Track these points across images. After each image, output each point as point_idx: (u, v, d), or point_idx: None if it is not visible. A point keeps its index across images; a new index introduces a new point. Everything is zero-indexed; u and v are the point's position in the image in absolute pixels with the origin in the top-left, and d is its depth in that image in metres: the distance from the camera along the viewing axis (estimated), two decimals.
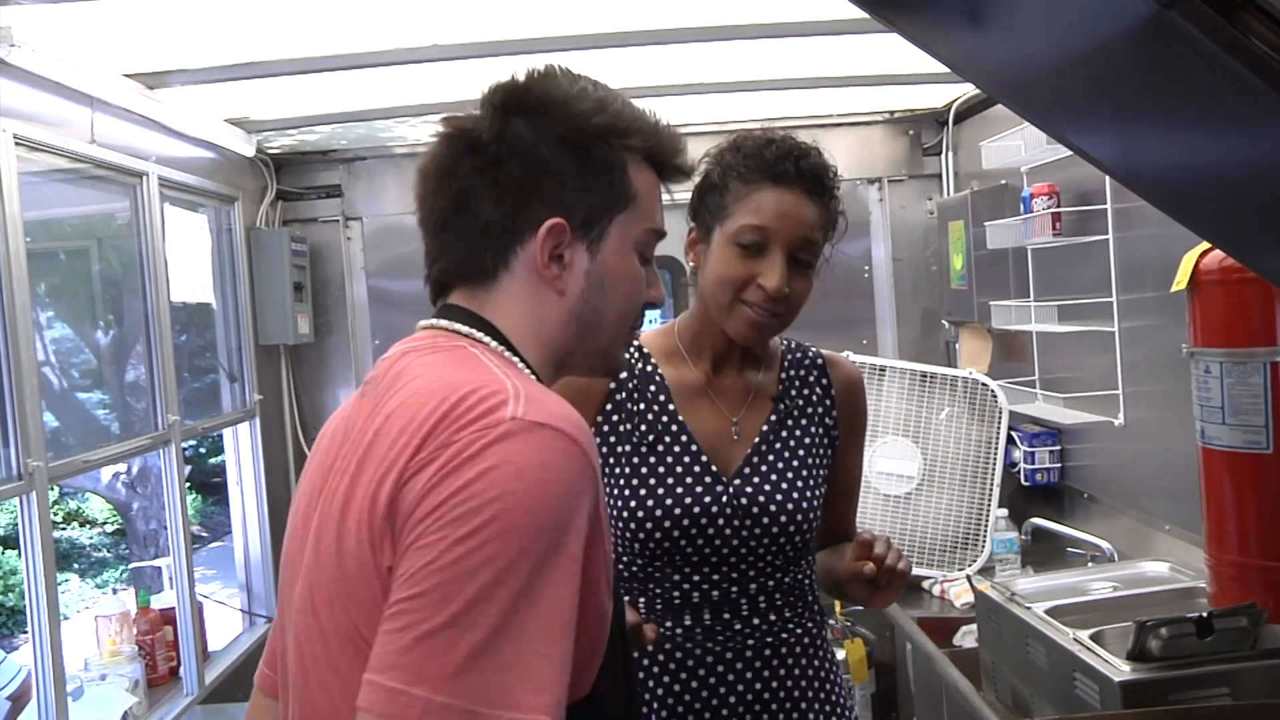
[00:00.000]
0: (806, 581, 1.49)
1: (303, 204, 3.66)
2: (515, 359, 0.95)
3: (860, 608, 3.17)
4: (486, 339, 0.94)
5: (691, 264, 1.45)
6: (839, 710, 1.50)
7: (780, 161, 1.39)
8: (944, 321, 3.59)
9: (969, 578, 2.06)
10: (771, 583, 1.44)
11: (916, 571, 2.92)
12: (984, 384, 3.00)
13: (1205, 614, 1.50)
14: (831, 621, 3.28)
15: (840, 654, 3.24)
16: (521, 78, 0.97)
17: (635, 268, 0.99)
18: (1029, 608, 1.81)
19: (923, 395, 3.02)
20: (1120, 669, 1.49)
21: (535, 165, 0.94)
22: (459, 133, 0.97)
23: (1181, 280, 1.63)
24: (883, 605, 1.40)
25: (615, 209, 0.96)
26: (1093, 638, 1.63)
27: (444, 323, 0.96)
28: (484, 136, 0.95)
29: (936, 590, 2.83)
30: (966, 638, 2.43)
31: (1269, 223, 0.89)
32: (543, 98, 0.96)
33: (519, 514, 0.78)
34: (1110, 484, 2.68)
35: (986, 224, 2.97)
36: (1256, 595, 1.54)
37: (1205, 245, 1.60)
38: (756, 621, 1.43)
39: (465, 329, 0.95)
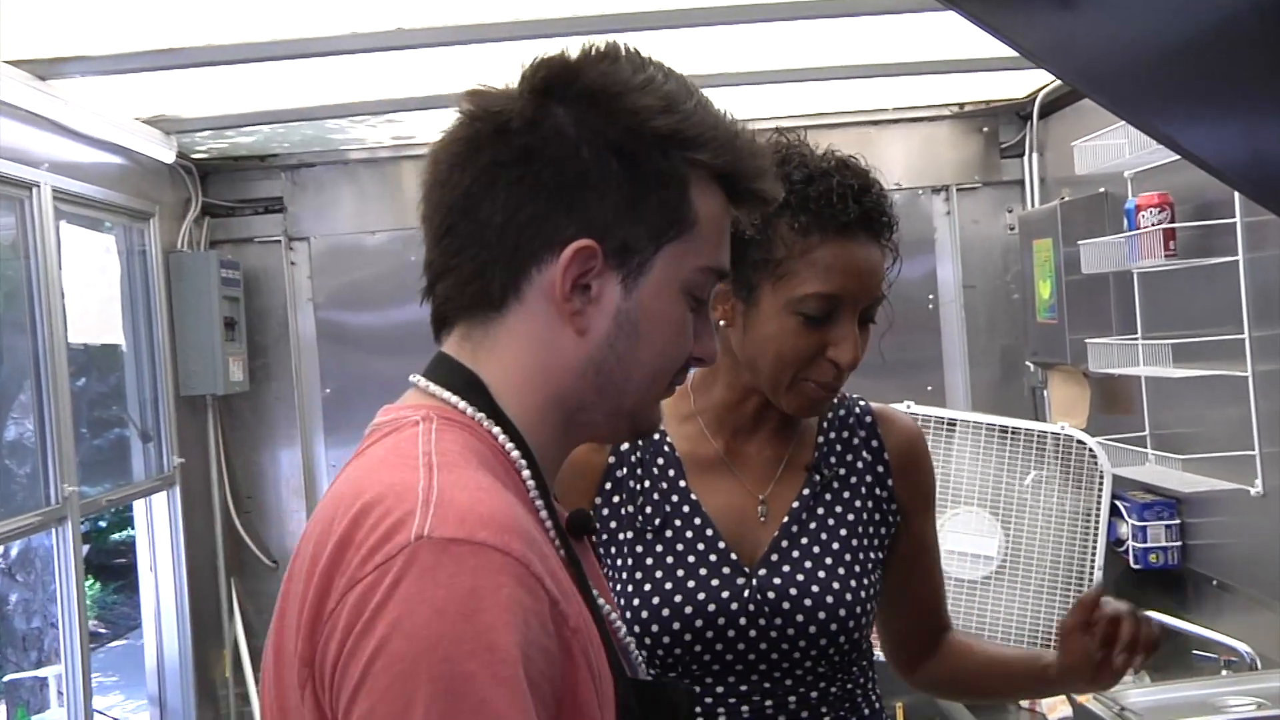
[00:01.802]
0: (861, 691, 1.47)
1: (235, 221, 3.66)
2: (493, 429, 0.93)
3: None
4: (465, 408, 0.94)
5: (722, 322, 1.44)
6: None
7: (843, 204, 1.38)
8: (1029, 363, 3.56)
9: (1070, 697, 1.99)
10: (815, 694, 1.42)
11: None
12: (1080, 441, 2.96)
13: None
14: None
15: None
16: (574, 56, 0.95)
17: (681, 313, 0.98)
18: None
19: (1003, 455, 2.98)
20: None
21: (571, 169, 0.93)
22: (484, 114, 0.95)
23: None
24: (1108, 686, 1.40)
25: (665, 237, 0.95)
26: None
27: (423, 383, 0.97)
28: (514, 123, 0.93)
29: (1025, 701, 2.77)
30: None
31: None
32: (595, 86, 0.94)
33: (452, 665, 0.78)
34: (1247, 568, 2.62)
35: (1081, 243, 2.94)
36: None
37: None
38: None
39: (442, 394, 0.95)
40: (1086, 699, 1.97)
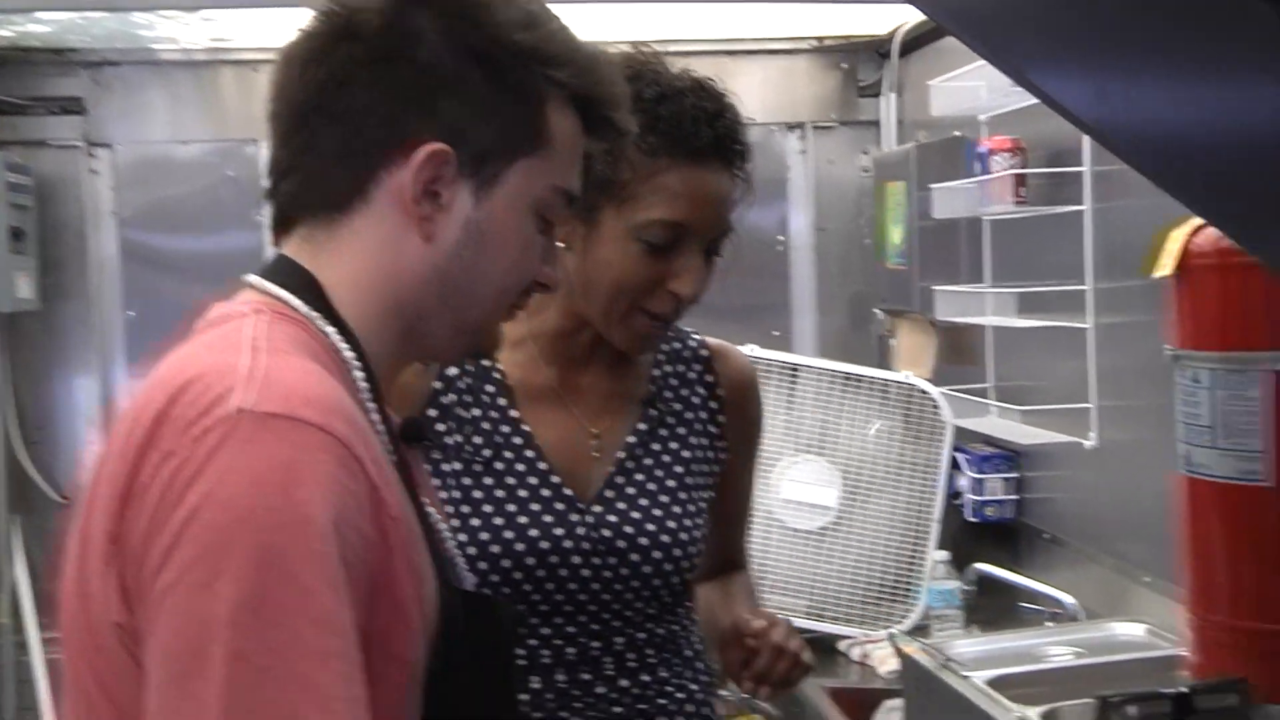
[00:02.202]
0: (684, 633, 1.50)
1: (27, 120, 3.48)
2: (327, 328, 0.95)
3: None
4: (299, 305, 0.95)
5: (560, 244, 1.42)
6: None
7: (696, 127, 1.38)
8: (877, 311, 3.63)
9: (892, 637, 2.06)
10: (643, 635, 1.45)
11: (832, 630, 2.93)
12: (924, 391, 3.03)
13: (1184, 690, 1.52)
14: (724, 693, 3.28)
15: None
16: None
17: (530, 231, 1.01)
18: (967, 677, 1.83)
19: (846, 404, 3.04)
20: None
21: (431, 71, 0.96)
22: (344, 12, 0.97)
23: (1164, 263, 1.64)
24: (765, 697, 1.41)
25: (520, 150, 0.98)
26: (1045, 717, 1.64)
27: (257, 281, 0.98)
28: (375, 22, 0.96)
29: (856, 654, 2.85)
30: (891, 715, 2.45)
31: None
32: None
33: (264, 536, 0.81)
34: (1078, 522, 2.73)
35: (933, 187, 3.00)
36: (1248, 667, 1.56)
37: (1198, 220, 1.63)
38: (625, 684, 1.43)
39: (276, 290, 0.96)
40: (914, 650, 2.03)
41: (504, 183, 0.98)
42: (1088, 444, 2.55)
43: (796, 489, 3.00)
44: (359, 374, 0.95)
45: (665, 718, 1.45)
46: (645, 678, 1.45)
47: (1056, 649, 2.02)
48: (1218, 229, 1.51)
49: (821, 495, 2.99)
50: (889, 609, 2.94)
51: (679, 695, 1.47)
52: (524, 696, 1.41)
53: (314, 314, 0.95)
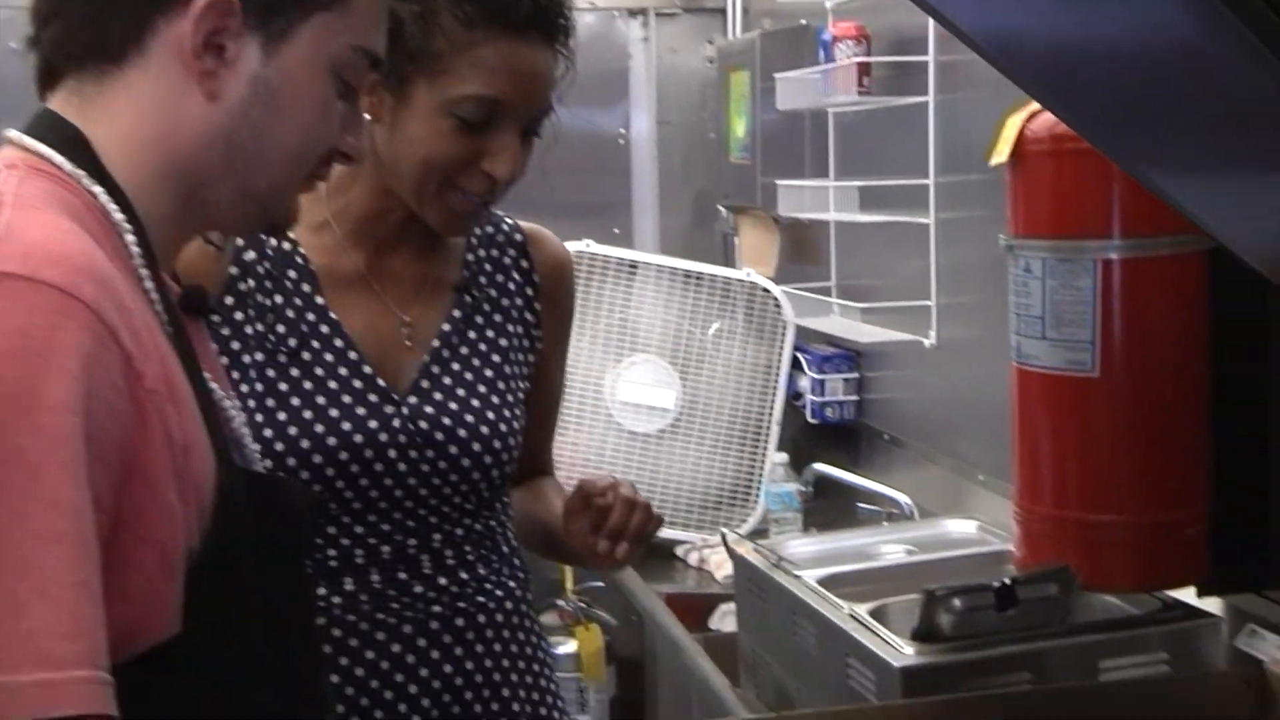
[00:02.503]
0: (501, 529, 1.50)
1: None
2: (94, 188, 0.91)
3: (600, 583, 3.23)
4: (62, 163, 0.91)
5: (368, 117, 1.38)
6: (547, 697, 1.53)
7: None
8: (720, 208, 3.63)
9: (724, 536, 2.08)
10: (460, 531, 1.45)
11: (669, 535, 2.96)
12: (765, 290, 3.05)
13: (1007, 581, 1.56)
14: (560, 602, 3.32)
15: (570, 646, 3.28)
16: None
17: (326, 93, 0.98)
18: (798, 576, 1.85)
19: (686, 303, 3.04)
20: (902, 651, 1.54)
21: None
22: None
23: (1000, 149, 1.66)
24: (612, 570, 1.41)
25: (313, 5, 0.95)
26: (873, 614, 1.67)
27: (16, 137, 0.94)
28: None
29: (694, 559, 2.89)
30: (726, 619, 2.49)
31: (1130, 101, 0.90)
32: None
33: None
34: (917, 423, 2.80)
35: (777, 77, 3.00)
36: (1071, 556, 1.62)
37: (1035, 105, 1.64)
38: (443, 582, 1.43)
39: (35, 146, 0.92)
40: (746, 550, 2.05)
41: (296, 38, 0.95)
42: (928, 342, 2.61)
43: (634, 391, 3.00)
44: (131, 238, 0.91)
45: (484, 615, 1.45)
46: (464, 575, 1.44)
47: (889, 547, 2.05)
48: (1066, 123, 1.53)
49: (659, 397, 3.00)
50: (727, 513, 2.98)
51: (498, 593, 1.47)
52: (337, 600, 1.40)
53: (79, 172, 0.91)
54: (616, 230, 3.65)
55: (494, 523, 1.48)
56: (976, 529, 2.11)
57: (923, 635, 1.57)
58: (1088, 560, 1.62)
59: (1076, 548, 1.64)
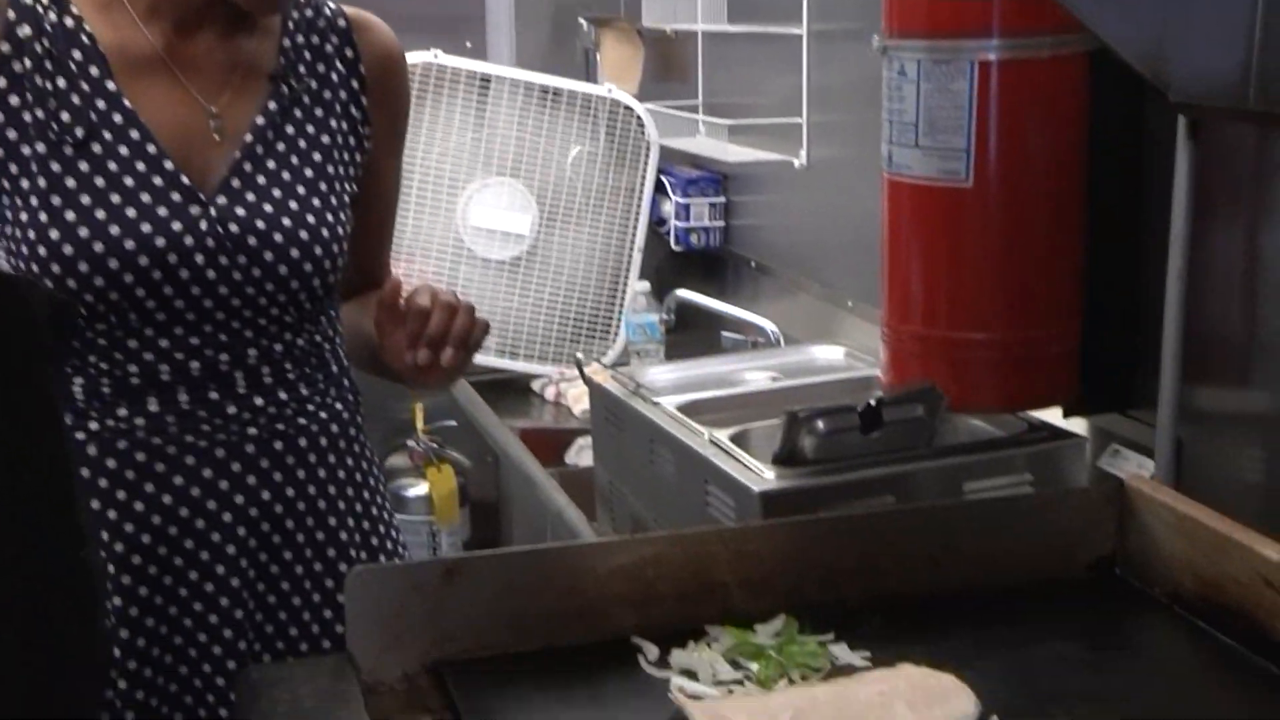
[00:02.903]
0: (329, 345, 1.47)
1: None
2: None
3: (452, 422, 3.21)
4: None
5: None
6: (379, 526, 1.52)
7: None
8: (581, 21, 3.54)
9: (579, 363, 2.07)
10: (279, 347, 1.40)
11: (525, 369, 2.95)
12: (629, 108, 3.00)
13: (872, 403, 1.58)
14: (410, 443, 3.29)
15: (421, 488, 3.27)
16: None
17: None
18: (657, 403, 1.85)
19: (543, 121, 2.98)
20: (762, 476, 1.55)
21: None
22: None
23: None
24: (439, 385, 1.37)
25: None
26: (734, 439, 1.68)
27: None
28: None
29: (550, 393, 2.89)
30: (582, 454, 2.50)
31: None
32: None
33: None
34: (786, 249, 2.81)
35: None
36: (939, 376, 1.64)
37: None
38: (260, 402, 1.40)
39: None
40: (603, 378, 2.04)
41: None
42: (798, 163, 2.59)
43: (487, 215, 2.95)
44: None
45: (306, 439, 1.43)
46: (283, 395, 1.41)
47: (753, 374, 2.07)
48: None
49: (515, 222, 2.96)
50: (586, 346, 2.98)
51: (322, 415, 1.45)
52: (140, 421, 1.36)
53: None
54: (469, 44, 3.54)
55: (319, 338, 1.44)
56: (844, 355, 2.13)
57: (784, 459, 1.58)
58: (955, 380, 1.64)
59: (944, 368, 1.67)
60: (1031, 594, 1.36)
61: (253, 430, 1.39)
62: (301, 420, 1.43)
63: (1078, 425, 1.73)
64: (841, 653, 1.24)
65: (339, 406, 1.47)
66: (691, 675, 1.20)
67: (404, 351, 1.37)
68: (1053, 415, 1.71)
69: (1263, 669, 1.20)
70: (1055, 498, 1.45)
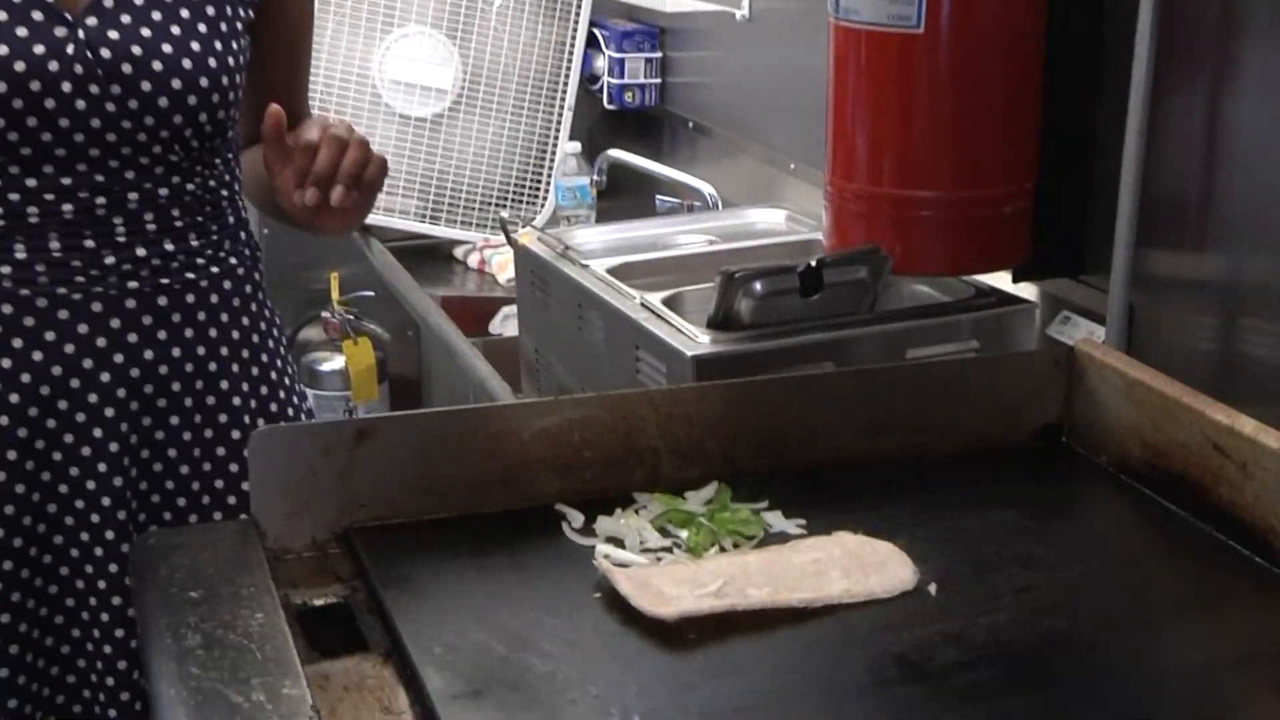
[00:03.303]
0: (227, 192, 1.43)
1: None
2: None
3: (369, 292, 3.19)
4: None
5: None
6: (280, 392, 1.49)
7: None
8: None
9: (503, 224, 2.05)
10: (165, 191, 1.36)
11: (448, 234, 2.92)
12: None
13: (813, 263, 1.58)
14: (325, 314, 3.27)
15: (337, 362, 3.26)
16: None
17: None
18: (586, 266, 1.83)
19: None
20: (696, 340, 1.55)
21: None
22: None
23: None
24: (338, 229, 1.36)
25: None
26: (666, 302, 1.67)
27: None
28: None
29: (474, 261, 2.87)
30: (507, 323, 2.49)
31: None
32: None
33: None
34: (726, 109, 2.78)
35: None
36: (884, 237, 1.63)
37: None
38: (142, 252, 1.36)
39: None
40: (529, 240, 2.02)
41: None
42: (739, 14, 2.56)
43: (406, 68, 2.89)
44: None
45: (194, 295, 1.40)
46: (169, 245, 1.37)
47: (688, 237, 2.06)
48: None
49: (435, 76, 2.91)
50: (513, 210, 2.95)
51: (214, 270, 1.42)
52: (6, 270, 1.32)
53: None
54: None
55: (213, 184, 1.40)
56: (785, 218, 2.12)
57: (719, 322, 1.58)
58: (900, 241, 1.64)
59: (889, 228, 1.66)
60: (974, 462, 1.38)
61: (133, 283, 1.36)
62: (190, 274, 1.39)
63: (1028, 291, 1.73)
64: (775, 520, 1.25)
65: (233, 261, 1.44)
66: (618, 543, 1.21)
67: (293, 191, 1.33)
68: (1002, 280, 1.72)
69: (1207, 535, 1.22)
70: (1001, 362, 1.46)
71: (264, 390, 1.47)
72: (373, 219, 2.89)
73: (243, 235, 1.46)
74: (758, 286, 1.57)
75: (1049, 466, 1.39)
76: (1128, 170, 1.53)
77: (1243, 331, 1.48)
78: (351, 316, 3.27)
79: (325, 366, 3.30)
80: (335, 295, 3.26)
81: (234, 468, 1.44)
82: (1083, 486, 1.37)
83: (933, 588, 1.13)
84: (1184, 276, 1.57)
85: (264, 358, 1.48)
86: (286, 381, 1.52)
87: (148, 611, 1.05)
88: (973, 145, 1.61)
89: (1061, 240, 1.70)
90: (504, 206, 2.94)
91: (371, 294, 3.23)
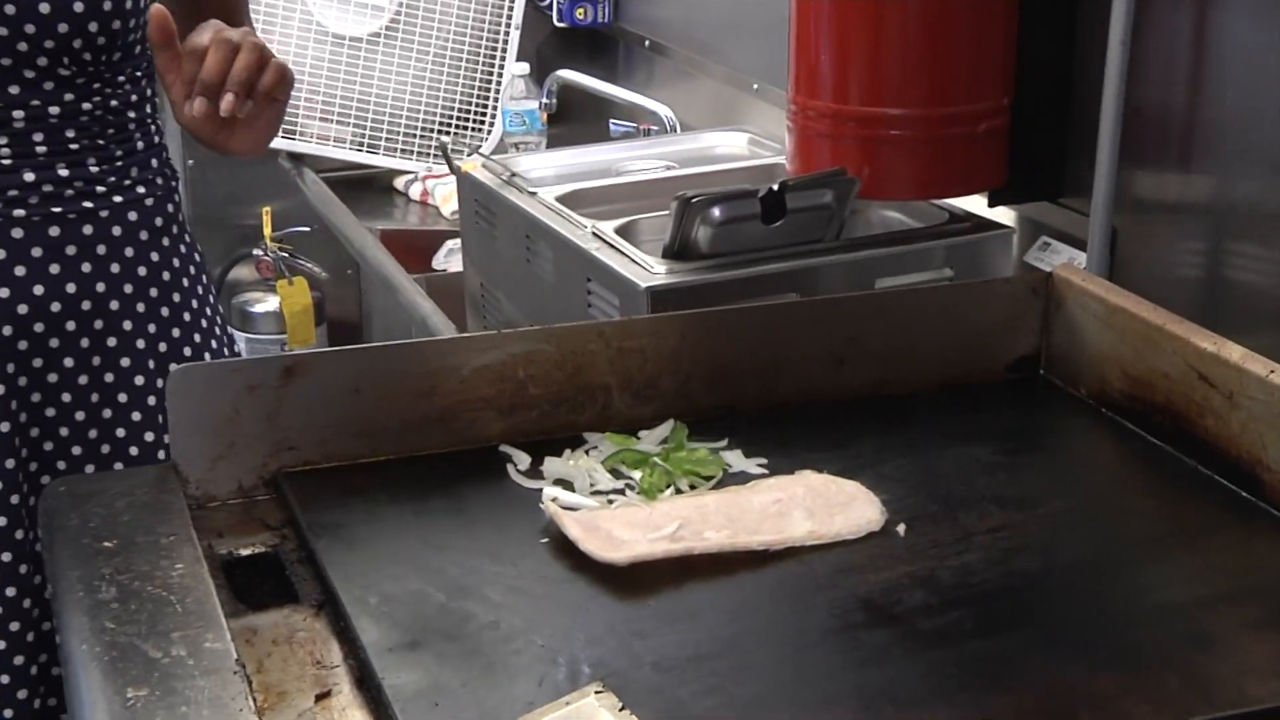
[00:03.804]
0: (136, 115, 1.40)
1: None
2: None
3: (305, 228, 3.17)
4: None
5: None
6: (195, 335, 1.47)
7: None
8: None
9: (445, 150, 2.04)
10: (56, 109, 1.34)
11: (387, 164, 2.91)
12: None
13: (775, 188, 1.57)
14: (257, 252, 3.25)
15: (270, 303, 3.25)
16: None
17: None
18: (534, 194, 1.83)
19: None
20: (651, 270, 1.54)
21: None
22: None
23: None
24: (242, 148, 1.34)
25: None
26: (620, 231, 1.67)
27: None
28: None
29: (416, 192, 2.85)
30: (451, 257, 2.48)
31: None
32: None
33: None
34: (684, 25, 2.77)
35: None
36: (851, 160, 1.63)
37: None
38: (30, 177, 1.34)
39: None
40: (473, 168, 2.01)
41: None
42: None
43: None
44: None
45: (92, 225, 1.38)
46: (63, 170, 1.35)
47: (643, 162, 2.05)
48: None
49: None
50: (458, 137, 2.94)
51: (117, 199, 1.39)
52: None
53: None
54: None
55: (116, 104, 1.38)
56: (747, 142, 2.12)
57: (675, 252, 1.57)
58: (868, 163, 1.64)
59: (856, 151, 1.66)
60: (946, 396, 1.39)
61: (20, 211, 1.34)
62: (87, 203, 1.37)
63: (1004, 215, 1.74)
64: (735, 460, 1.26)
65: (141, 190, 1.42)
66: (566, 485, 1.21)
67: (184, 87, 1.29)
68: (977, 205, 1.72)
69: (1190, 469, 1.23)
70: (974, 290, 1.46)
71: (176, 333, 1.45)
72: (307, 148, 2.88)
73: (154, 163, 1.44)
74: (716, 212, 1.56)
75: (1025, 400, 1.40)
76: (1110, 85, 1.53)
77: (1230, 256, 1.49)
78: (285, 254, 3.25)
79: (258, 308, 3.29)
80: (268, 231, 3.24)
81: (137, 415, 1.42)
82: (1060, 420, 1.37)
83: (901, 528, 1.14)
84: (1169, 198, 1.58)
85: (177, 297, 1.45)
86: (205, 324, 1.50)
87: (58, 565, 1.04)
88: (945, 59, 1.61)
89: (1039, 161, 1.70)
90: (447, 133, 2.92)
91: (307, 230, 3.21)
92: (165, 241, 1.44)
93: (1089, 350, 1.36)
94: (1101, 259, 1.57)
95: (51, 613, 1.11)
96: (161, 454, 1.43)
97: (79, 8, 1.30)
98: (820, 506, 1.16)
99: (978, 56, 1.63)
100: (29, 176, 1.34)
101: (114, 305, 1.40)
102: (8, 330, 1.35)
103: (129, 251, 1.40)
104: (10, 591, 1.37)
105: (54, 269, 1.36)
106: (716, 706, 0.92)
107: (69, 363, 1.38)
